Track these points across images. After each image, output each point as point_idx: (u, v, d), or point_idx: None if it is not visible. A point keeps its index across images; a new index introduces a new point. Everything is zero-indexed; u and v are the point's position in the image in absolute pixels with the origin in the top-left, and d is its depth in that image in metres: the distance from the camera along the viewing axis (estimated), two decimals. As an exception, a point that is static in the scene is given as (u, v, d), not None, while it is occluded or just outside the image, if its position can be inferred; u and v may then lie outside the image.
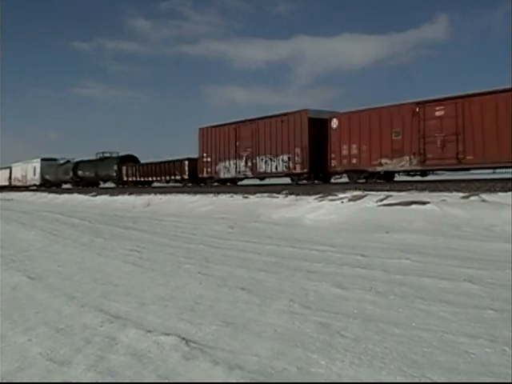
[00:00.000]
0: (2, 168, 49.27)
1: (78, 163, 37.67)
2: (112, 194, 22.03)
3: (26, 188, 41.82)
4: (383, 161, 16.82)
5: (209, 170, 23.88)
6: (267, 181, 22.12)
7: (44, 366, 2.53)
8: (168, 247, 6.50)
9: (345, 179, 18.83)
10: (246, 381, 2.21)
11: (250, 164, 21.70)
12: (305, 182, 19.71)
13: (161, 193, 19.50)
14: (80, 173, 36.54)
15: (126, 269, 5.10)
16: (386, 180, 17.30)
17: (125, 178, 31.60)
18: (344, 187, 13.19)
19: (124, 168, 31.76)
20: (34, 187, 40.90)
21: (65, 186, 39.31)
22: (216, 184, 23.53)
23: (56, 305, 3.74)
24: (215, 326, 3.02)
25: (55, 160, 41.79)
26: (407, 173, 17.17)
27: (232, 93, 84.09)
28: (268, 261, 5.17)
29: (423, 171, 16.69)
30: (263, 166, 21.07)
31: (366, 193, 10.62)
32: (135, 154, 33.65)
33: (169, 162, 27.56)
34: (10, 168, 47.63)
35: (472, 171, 15.67)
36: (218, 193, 16.37)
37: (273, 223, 9.11)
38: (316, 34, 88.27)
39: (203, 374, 2.32)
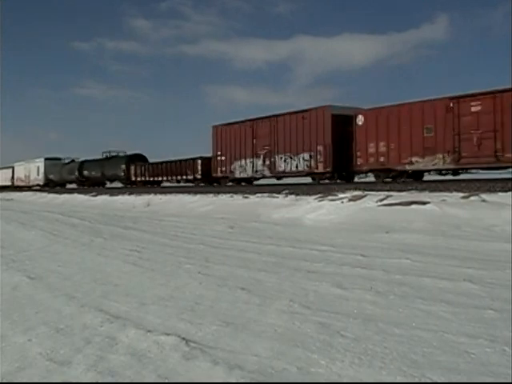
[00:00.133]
0: (3, 168, 48.50)
1: (83, 162, 36.64)
2: (112, 194, 22.05)
3: (29, 188, 40.93)
4: (414, 159, 15.94)
5: (223, 169, 23.01)
6: (285, 180, 20.88)
7: (44, 366, 2.53)
8: (168, 247, 6.50)
9: (370, 178, 17.92)
10: (246, 381, 2.21)
11: (268, 163, 20.74)
12: (327, 181, 18.64)
13: (161, 193, 19.50)
14: (86, 172, 35.59)
15: (126, 269, 5.10)
16: (414, 179, 16.42)
17: (133, 178, 30.52)
18: (344, 187, 13.20)
19: (132, 167, 30.68)
20: (38, 187, 40.03)
21: (69, 186, 38.37)
22: (230, 184, 22.51)
23: (56, 305, 3.74)
24: (215, 325, 3.02)
25: (59, 159, 40.81)
26: (439, 172, 16.32)
27: (232, 93, 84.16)
28: (268, 261, 5.17)
29: (456, 170, 15.85)
30: (282, 165, 20.14)
31: (366, 193, 10.62)
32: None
33: (180, 160, 26.64)
34: (13, 168, 46.71)
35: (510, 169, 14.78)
36: (218, 193, 16.38)
37: (273, 223, 9.11)
38: (316, 33, 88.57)
39: (203, 373, 2.32)
